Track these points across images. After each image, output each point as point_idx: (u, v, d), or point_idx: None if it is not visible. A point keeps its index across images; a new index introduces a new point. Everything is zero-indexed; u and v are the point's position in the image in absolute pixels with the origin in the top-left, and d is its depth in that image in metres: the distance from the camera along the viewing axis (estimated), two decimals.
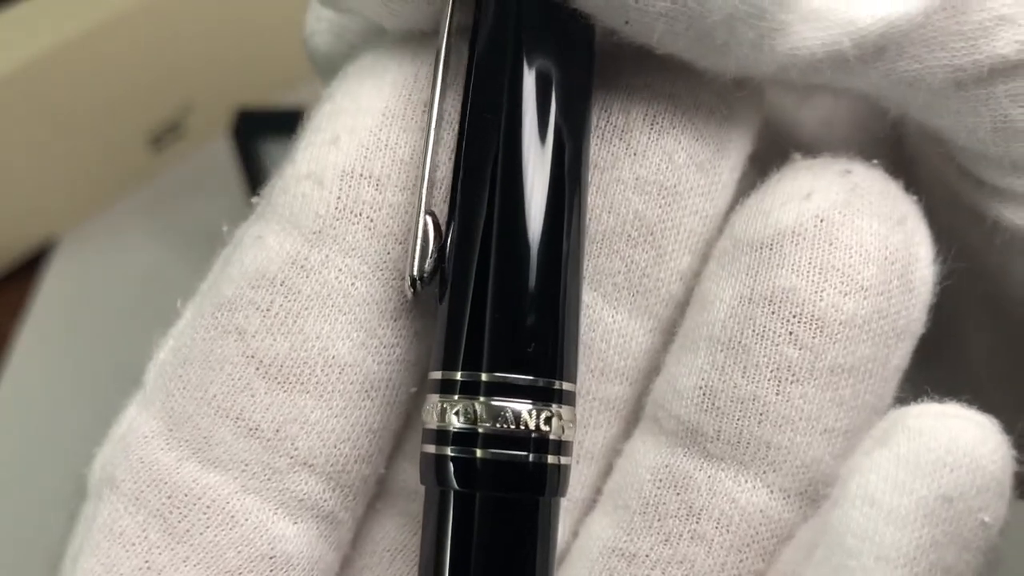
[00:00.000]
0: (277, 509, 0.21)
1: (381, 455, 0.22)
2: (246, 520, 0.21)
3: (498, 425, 0.19)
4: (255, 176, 0.63)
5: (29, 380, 0.62)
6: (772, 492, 0.21)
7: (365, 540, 0.23)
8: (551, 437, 0.20)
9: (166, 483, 0.21)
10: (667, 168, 0.22)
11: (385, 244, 0.21)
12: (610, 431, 0.23)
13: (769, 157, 0.23)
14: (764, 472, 0.21)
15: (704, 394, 0.21)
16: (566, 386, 0.20)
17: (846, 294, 0.20)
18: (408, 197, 0.21)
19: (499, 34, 0.20)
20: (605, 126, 0.22)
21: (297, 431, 0.21)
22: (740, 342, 0.21)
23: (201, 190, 0.68)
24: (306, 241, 0.21)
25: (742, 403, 0.21)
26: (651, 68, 0.22)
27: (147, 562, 0.20)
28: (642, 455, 0.22)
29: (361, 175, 0.21)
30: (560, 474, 0.20)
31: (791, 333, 0.20)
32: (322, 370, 0.21)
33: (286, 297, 0.21)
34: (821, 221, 0.21)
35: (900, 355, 0.21)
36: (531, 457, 0.20)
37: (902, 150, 0.26)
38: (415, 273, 0.20)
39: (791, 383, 0.21)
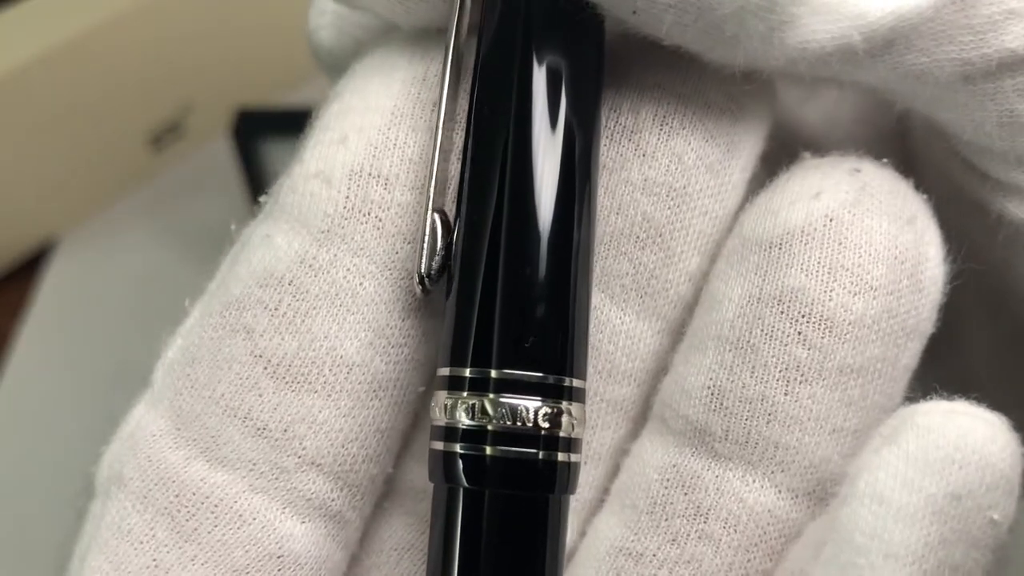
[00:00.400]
0: (285, 508, 0.21)
1: (389, 455, 0.22)
2: (254, 519, 0.21)
3: (507, 422, 0.19)
4: (255, 176, 0.63)
5: (29, 380, 0.62)
6: (780, 492, 0.21)
7: (373, 539, 0.23)
8: (561, 434, 0.20)
9: (174, 481, 0.21)
10: (676, 170, 0.21)
11: (393, 244, 0.21)
12: (618, 432, 0.23)
13: (775, 154, 0.23)
14: (772, 472, 0.21)
15: (712, 394, 0.21)
16: (576, 383, 0.20)
17: (855, 294, 0.20)
18: (417, 196, 0.21)
19: (508, 27, 0.20)
20: (614, 127, 0.22)
21: (305, 431, 0.21)
22: (749, 342, 0.21)
23: (201, 190, 0.68)
24: (314, 240, 0.21)
25: (750, 403, 0.21)
26: (661, 68, 0.22)
27: (155, 560, 0.20)
28: (650, 455, 0.22)
29: (370, 174, 0.21)
30: (570, 471, 0.20)
31: (800, 333, 0.20)
32: (330, 370, 0.21)
33: (294, 296, 0.21)
34: (830, 220, 0.21)
35: (910, 355, 0.21)
36: (541, 454, 0.20)
37: (907, 145, 0.26)
38: (423, 271, 0.20)
39: (800, 383, 0.20)
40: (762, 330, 0.21)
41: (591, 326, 0.21)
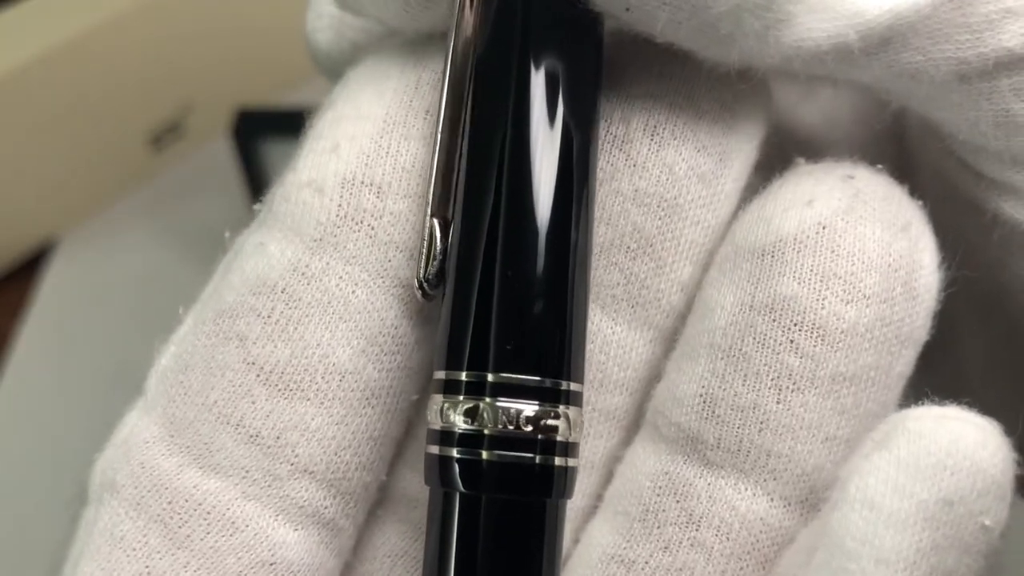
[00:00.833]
0: (278, 516, 0.21)
1: (382, 462, 0.22)
2: (246, 526, 0.21)
3: (504, 426, 0.19)
4: (255, 176, 0.63)
5: (29, 380, 0.62)
6: (772, 500, 0.21)
7: (366, 547, 0.23)
8: (558, 439, 0.20)
9: (167, 488, 0.21)
10: (667, 180, 0.21)
11: (386, 252, 0.21)
12: (610, 441, 0.23)
13: (771, 156, 0.23)
14: (764, 480, 0.21)
15: (705, 402, 0.21)
16: (573, 387, 0.20)
17: (848, 302, 0.20)
18: (410, 204, 0.21)
19: (505, 30, 0.20)
20: (604, 136, 0.21)
21: (298, 438, 0.21)
22: (741, 350, 0.21)
23: (201, 190, 0.68)
24: (307, 249, 0.21)
25: (743, 411, 0.21)
26: (652, 78, 0.22)
27: (147, 567, 0.20)
28: (642, 462, 0.22)
29: (362, 183, 0.21)
30: (567, 476, 0.20)
31: (792, 341, 0.20)
32: (323, 377, 0.21)
33: (287, 304, 0.21)
34: (823, 228, 0.20)
35: (903, 363, 0.21)
36: (538, 459, 0.19)
37: (903, 145, 0.26)
38: (422, 276, 0.20)
39: (792, 391, 0.20)
40: (754, 338, 0.21)
41: None
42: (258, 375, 0.21)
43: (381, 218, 0.21)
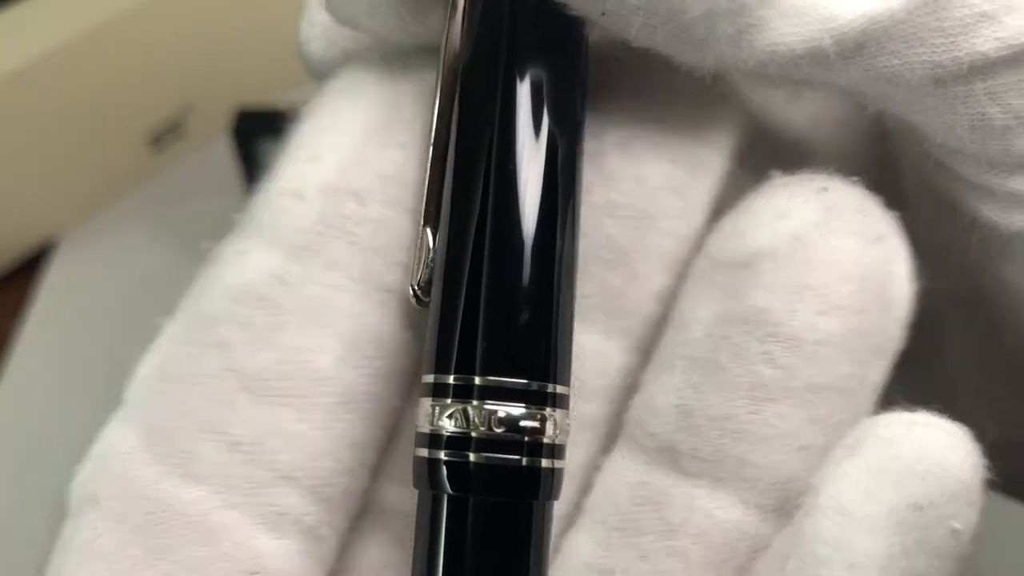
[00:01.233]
0: (259, 524, 0.21)
1: (364, 469, 0.22)
2: (227, 536, 0.20)
3: (491, 429, 0.19)
4: (255, 176, 0.62)
5: (29, 380, 0.62)
6: (748, 508, 0.21)
7: (350, 557, 0.23)
8: (544, 441, 0.20)
9: (146, 499, 0.20)
10: (640, 192, 0.22)
11: (367, 258, 0.21)
12: (588, 449, 0.23)
13: (761, 160, 0.23)
14: (740, 489, 0.21)
15: (681, 413, 0.21)
16: (560, 389, 0.20)
17: (821, 313, 0.20)
18: (390, 211, 0.21)
19: (490, 38, 0.20)
20: None
21: (278, 444, 0.20)
22: (716, 361, 0.21)
23: (201, 190, 0.68)
24: (288, 256, 0.21)
25: (718, 422, 0.21)
26: (625, 92, 0.22)
27: None
28: (620, 472, 0.22)
29: (343, 190, 0.21)
30: (554, 478, 0.20)
31: (766, 353, 0.20)
32: (303, 383, 0.21)
33: (268, 311, 0.21)
34: (797, 240, 0.20)
35: (877, 372, 0.21)
36: (524, 461, 0.20)
37: (887, 147, 0.26)
38: (416, 283, 0.21)
39: (766, 402, 0.20)
40: (729, 350, 0.21)
41: None
42: (239, 381, 0.20)
43: (362, 224, 0.21)
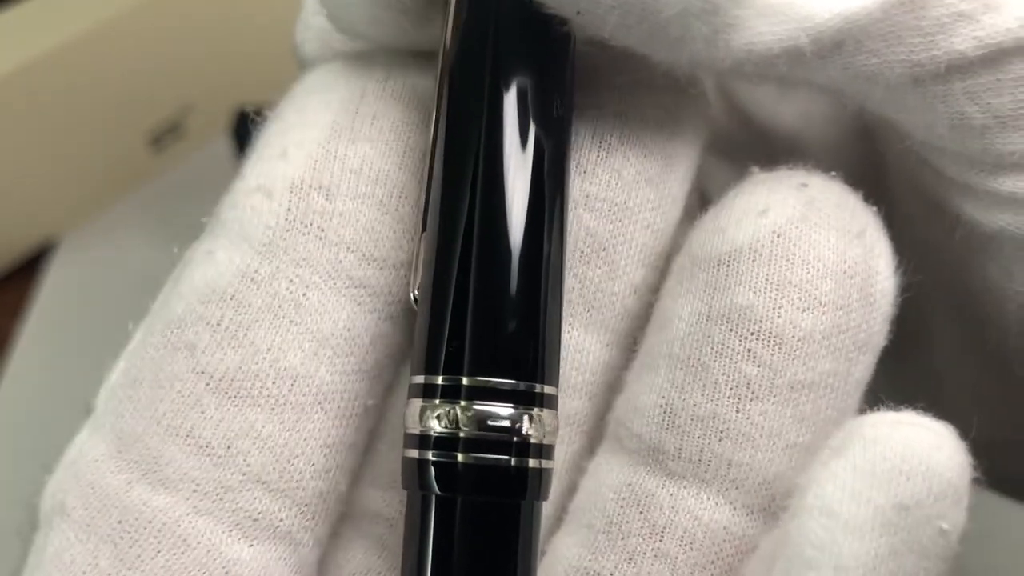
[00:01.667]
0: (231, 530, 0.20)
1: (339, 470, 0.21)
2: (198, 543, 0.20)
3: (479, 430, 0.19)
4: None
5: (29, 380, 0.62)
6: (735, 509, 0.21)
7: (330, 564, 0.22)
8: (532, 441, 0.20)
9: (116, 507, 0.20)
10: (616, 185, 0.22)
11: (337, 253, 0.21)
12: (572, 447, 0.23)
13: (755, 155, 0.23)
14: (726, 489, 0.21)
15: (664, 412, 0.21)
16: (547, 390, 0.20)
17: (804, 310, 0.20)
18: (359, 205, 0.21)
19: (477, 38, 0.20)
20: None
21: (248, 446, 0.20)
22: (699, 360, 0.21)
23: (201, 190, 0.68)
24: (256, 254, 0.21)
25: (702, 421, 0.21)
26: (600, 89, 0.22)
27: None
28: (605, 474, 0.22)
29: (311, 186, 0.21)
30: (542, 478, 0.20)
31: (749, 350, 0.20)
32: (273, 382, 0.20)
33: (236, 311, 0.20)
34: (778, 237, 0.20)
35: (861, 369, 0.21)
36: (512, 461, 0.20)
37: (874, 143, 0.26)
38: (413, 288, 0.21)
39: (751, 400, 0.20)
40: (712, 348, 0.21)
41: None
42: (207, 384, 0.20)
43: (331, 219, 0.21)
